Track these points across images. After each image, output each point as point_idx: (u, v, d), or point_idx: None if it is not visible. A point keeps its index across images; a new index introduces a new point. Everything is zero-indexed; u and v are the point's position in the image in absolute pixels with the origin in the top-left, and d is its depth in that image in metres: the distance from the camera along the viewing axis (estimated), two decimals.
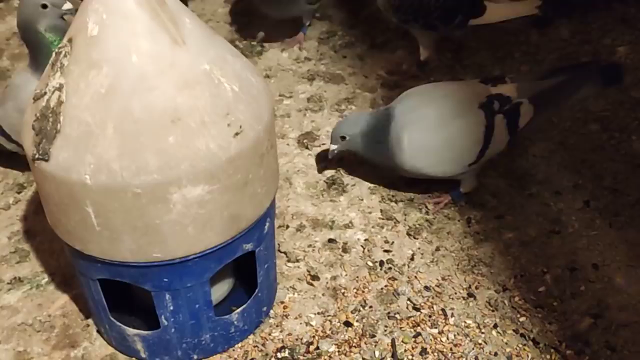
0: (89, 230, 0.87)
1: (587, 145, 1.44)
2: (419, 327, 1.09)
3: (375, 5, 1.68)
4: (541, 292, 1.14)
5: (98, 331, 1.10)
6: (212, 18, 1.92)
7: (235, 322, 1.05)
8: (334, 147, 1.31)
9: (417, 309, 1.12)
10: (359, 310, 1.12)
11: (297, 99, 1.61)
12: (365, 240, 1.25)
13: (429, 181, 1.35)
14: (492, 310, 1.12)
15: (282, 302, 1.14)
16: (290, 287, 1.17)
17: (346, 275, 1.19)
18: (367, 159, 1.32)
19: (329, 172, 1.40)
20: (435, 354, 1.05)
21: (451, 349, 1.06)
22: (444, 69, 1.68)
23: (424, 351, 1.06)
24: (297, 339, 1.08)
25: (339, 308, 1.13)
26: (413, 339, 1.07)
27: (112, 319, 1.02)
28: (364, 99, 1.61)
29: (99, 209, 0.84)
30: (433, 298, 1.14)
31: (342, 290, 1.16)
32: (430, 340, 1.07)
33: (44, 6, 1.20)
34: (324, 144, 1.47)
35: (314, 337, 1.09)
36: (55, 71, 0.86)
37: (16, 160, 1.36)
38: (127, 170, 0.81)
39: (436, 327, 1.09)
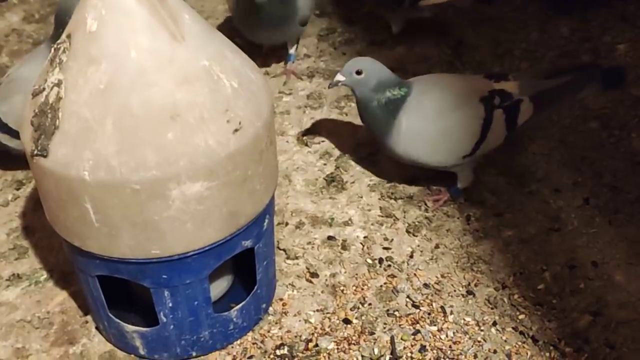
0: (87, 226, 0.86)
1: (586, 143, 1.44)
2: (418, 325, 1.09)
3: (375, 4, 1.68)
4: (540, 290, 1.14)
5: (97, 328, 1.10)
6: (211, 15, 1.91)
7: (234, 319, 1.05)
8: (341, 78, 1.24)
9: (416, 307, 1.12)
10: (358, 308, 1.12)
11: (297, 96, 1.61)
12: (364, 237, 1.25)
13: (428, 178, 1.35)
14: (492, 308, 1.12)
15: (281, 299, 1.14)
16: (290, 284, 1.17)
17: (345, 272, 1.19)
18: (363, 117, 1.28)
19: (329, 169, 1.40)
20: (435, 351, 1.05)
21: (450, 347, 1.06)
22: (443, 65, 1.68)
23: (423, 348, 1.06)
24: (296, 336, 1.08)
25: (338, 305, 1.13)
26: (412, 337, 1.07)
27: (110, 315, 1.02)
28: None
29: (98, 205, 0.84)
30: (432, 295, 1.14)
31: (342, 288, 1.16)
32: (430, 337, 1.07)
33: None
34: (323, 141, 1.47)
35: (313, 334, 1.08)
36: (54, 67, 0.85)
37: (15, 156, 1.36)
38: (126, 167, 0.81)
39: (435, 325, 1.09)
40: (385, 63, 1.69)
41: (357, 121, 1.52)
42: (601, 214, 1.28)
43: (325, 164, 1.41)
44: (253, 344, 1.08)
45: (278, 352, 1.06)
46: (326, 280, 1.17)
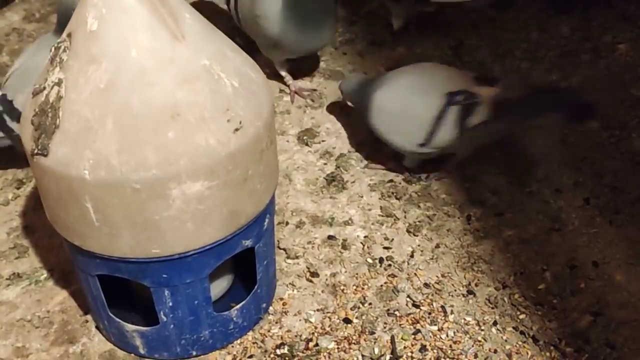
0: (87, 225, 0.86)
1: (587, 143, 1.44)
2: (418, 324, 1.09)
3: (376, 3, 1.68)
4: (541, 290, 1.14)
5: (97, 327, 1.10)
6: (212, 14, 1.91)
7: (235, 319, 1.05)
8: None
9: (416, 306, 1.12)
10: (359, 307, 1.12)
11: (297, 96, 1.61)
12: (365, 237, 1.25)
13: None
14: (492, 308, 1.12)
15: (281, 299, 1.14)
16: (290, 283, 1.17)
17: (346, 272, 1.18)
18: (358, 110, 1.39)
19: (329, 169, 1.40)
20: (435, 351, 1.05)
21: (451, 346, 1.06)
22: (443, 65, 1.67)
23: (423, 348, 1.06)
24: (296, 336, 1.08)
25: (338, 305, 1.13)
26: (412, 336, 1.07)
27: (111, 314, 1.02)
28: None
29: (98, 204, 0.84)
30: (433, 295, 1.14)
31: (342, 287, 1.16)
32: (430, 337, 1.07)
33: None
34: (324, 141, 1.47)
35: (313, 333, 1.08)
36: (55, 66, 0.85)
37: (15, 155, 1.36)
38: (126, 166, 0.81)
39: (436, 324, 1.09)
40: (386, 63, 1.71)
41: (358, 121, 1.52)
42: (602, 214, 1.28)
43: (325, 164, 1.41)
44: (253, 343, 1.07)
45: (278, 352, 1.06)
46: (326, 279, 1.17)
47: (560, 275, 1.17)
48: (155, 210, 0.84)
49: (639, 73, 1.60)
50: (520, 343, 1.06)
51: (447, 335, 1.07)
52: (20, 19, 1.91)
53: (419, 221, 1.28)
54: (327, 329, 1.09)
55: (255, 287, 1.06)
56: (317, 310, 1.12)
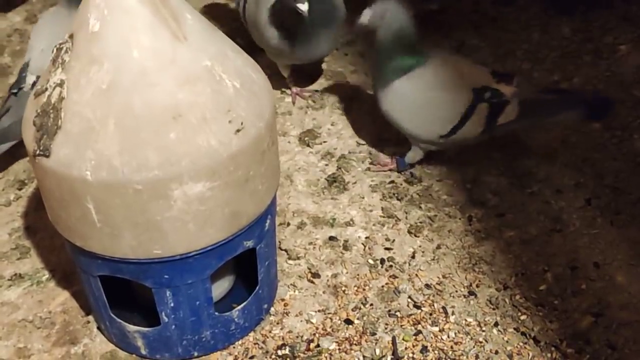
0: (89, 226, 0.86)
1: (588, 144, 1.44)
2: (419, 325, 1.09)
3: None
4: (542, 291, 1.14)
5: (98, 328, 1.10)
6: (213, 15, 1.91)
7: (236, 319, 1.05)
8: (367, 15, 1.28)
9: (417, 307, 1.12)
10: (360, 308, 1.12)
11: (299, 97, 1.61)
12: (366, 238, 1.25)
13: (431, 177, 1.35)
14: (493, 309, 1.12)
15: (282, 300, 1.14)
16: (291, 284, 1.17)
17: (347, 273, 1.19)
18: (371, 58, 1.35)
19: (330, 170, 1.40)
20: (436, 352, 1.05)
21: (452, 347, 1.06)
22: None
23: (424, 349, 1.06)
24: (297, 337, 1.08)
25: (339, 306, 1.13)
26: (414, 337, 1.07)
27: (112, 315, 1.02)
28: (365, 97, 1.61)
29: (100, 205, 0.84)
30: (434, 296, 1.14)
31: (343, 288, 1.16)
32: (431, 338, 1.07)
33: None
34: (325, 142, 1.47)
35: (314, 334, 1.08)
36: (57, 67, 0.86)
37: (17, 156, 1.36)
38: (128, 167, 0.81)
39: (437, 325, 1.09)
40: None
41: (359, 122, 1.53)
42: (603, 214, 1.28)
43: (326, 165, 1.41)
44: (254, 344, 1.08)
45: (279, 353, 1.06)
46: (328, 280, 1.17)
47: (562, 276, 1.17)
48: (157, 211, 0.84)
49: None
50: (521, 344, 1.06)
51: (448, 336, 1.07)
52: (22, 20, 1.91)
53: (420, 222, 1.28)
54: (328, 329, 1.09)
55: (257, 287, 1.06)
56: (319, 311, 1.12)
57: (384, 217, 1.29)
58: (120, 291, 1.03)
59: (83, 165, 0.81)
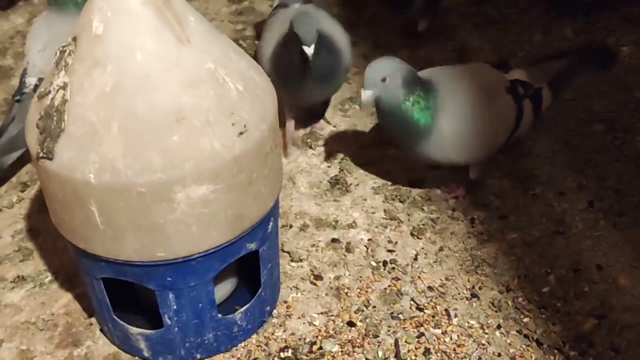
0: (92, 229, 0.86)
1: (591, 146, 1.44)
2: (422, 328, 1.09)
3: (377, 6, 1.67)
4: (545, 293, 1.14)
5: (101, 330, 1.10)
6: (216, 17, 1.92)
7: (239, 322, 1.05)
8: (369, 92, 1.16)
9: (420, 309, 1.12)
10: (362, 310, 1.12)
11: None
12: (368, 240, 1.25)
13: (435, 179, 1.35)
14: (496, 311, 1.12)
15: (285, 302, 1.14)
16: (294, 286, 1.17)
17: (349, 275, 1.19)
18: (389, 123, 1.21)
19: (333, 172, 1.40)
20: (439, 354, 1.05)
21: (454, 350, 1.06)
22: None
23: (427, 351, 1.05)
24: (300, 339, 1.08)
25: (342, 308, 1.13)
26: (416, 339, 1.07)
27: (115, 317, 1.02)
28: None
29: (103, 207, 0.84)
30: (436, 298, 1.14)
31: (346, 290, 1.16)
32: (434, 340, 1.07)
33: None
34: (327, 144, 1.47)
35: (317, 337, 1.08)
36: (60, 70, 0.86)
37: (20, 159, 1.36)
38: (132, 169, 0.81)
39: (439, 328, 1.09)
40: None
41: (361, 123, 1.53)
42: (606, 217, 1.27)
43: (329, 167, 1.41)
44: (257, 346, 1.08)
45: (282, 355, 1.06)
46: (330, 282, 1.17)
47: (564, 278, 1.17)
48: (160, 214, 0.84)
49: None
50: (524, 346, 1.06)
51: (451, 339, 1.07)
52: (24, 21, 1.91)
53: (423, 224, 1.28)
54: (331, 332, 1.09)
55: (259, 290, 1.06)
56: (321, 313, 1.12)
57: (386, 219, 1.29)
58: (123, 293, 1.03)
59: (86, 168, 0.82)
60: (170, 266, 0.91)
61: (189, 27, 0.86)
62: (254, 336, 1.09)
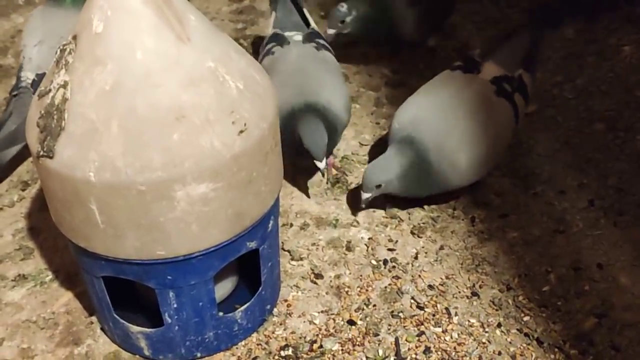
0: (93, 227, 0.87)
1: (592, 145, 1.44)
2: (422, 326, 1.09)
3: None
4: (545, 292, 1.14)
5: (102, 328, 1.10)
6: (216, 16, 1.92)
7: (239, 320, 1.05)
8: (367, 195, 1.22)
9: (420, 308, 1.12)
10: (363, 309, 1.12)
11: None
12: (369, 238, 1.25)
13: None
14: (496, 310, 1.12)
15: (285, 301, 1.14)
16: (294, 285, 1.17)
17: (350, 273, 1.19)
18: (403, 195, 1.26)
19: (333, 171, 1.40)
20: (439, 352, 1.05)
21: (455, 348, 1.06)
22: (447, 68, 1.67)
23: (427, 350, 1.05)
24: (300, 338, 1.08)
25: (342, 306, 1.13)
26: (417, 338, 1.07)
27: (115, 316, 1.02)
28: (368, 98, 1.61)
29: (103, 206, 0.84)
30: (437, 297, 1.14)
31: (346, 289, 1.16)
32: (434, 339, 1.07)
33: None
34: None
35: (317, 335, 1.08)
36: (60, 68, 0.86)
37: (21, 157, 1.37)
38: (132, 168, 0.81)
39: (440, 326, 1.09)
40: (389, 66, 1.71)
41: (361, 122, 1.53)
42: (606, 215, 1.27)
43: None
44: (257, 345, 1.08)
45: (282, 353, 1.06)
46: (331, 281, 1.17)
47: (565, 277, 1.17)
48: (160, 212, 0.84)
49: None
50: (524, 345, 1.06)
51: (452, 337, 1.07)
52: (25, 21, 1.91)
53: (423, 223, 1.28)
54: (332, 330, 1.09)
55: (260, 288, 1.06)
56: (322, 311, 1.12)
57: (386, 217, 1.29)
58: (124, 292, 1.03)
59: (86, 167, 0.82)
60: (171, 265, 0.91)
61: (189, 25, 0.86)
62: (255, 335, 1.09)
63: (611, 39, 1.75)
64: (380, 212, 1.30)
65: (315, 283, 1.17)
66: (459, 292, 1.15)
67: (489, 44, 1.40)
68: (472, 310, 1.12)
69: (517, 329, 1.09)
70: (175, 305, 0.97)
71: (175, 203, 0.84)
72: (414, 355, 1.05)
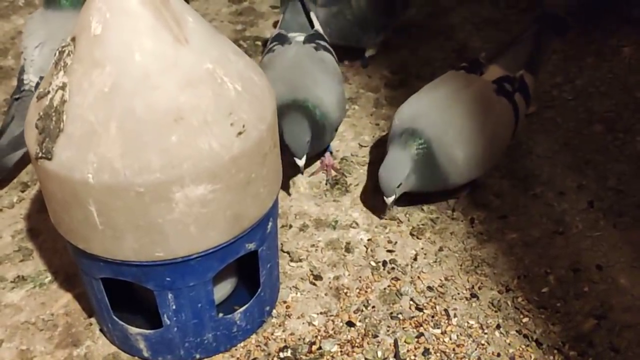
0: (91, 229, 0.87)
1: (591, 146, 1.44)
2: (421, 328, 1.09)
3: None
4: (544, 293, 1.14)
5: (101, 330, 1.10)
6: (215, 17, 1.92)
7: (238, 322, 1.05)
8: (390, 199, 1.21)
9: (419, 309, 1.12)
10: (362, 310, 1.12)
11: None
12: (368, 240, 1.25)
13: None
14: (495, 311, 1.12)
15: (284, 302, 1.14)
16: (293, 286, 1.17)
17: (349, 275, 1.19)
18: (418, 191, 1.26)
19: (332, 172, 1.40)
20: (438, 354, 1.05)
21: (454, 350, 1.06)
22: (447, 68, 1.66)
23: (426, 351, 1.05)
24: (299, 339, 1.08)
25: (341, 308, 1.13)
26: (416, 339, 1.07)
27: (114, 317, 1.02)
28: (367, 99, 1.61)
29: (102, 207, 0.84)
30: (436, 298, 1.14)
31: (345, 290, 1.16)
32: (433, 340, 1.07)
33: None
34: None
35: (316, 337, 1.08)
36: (59, 70, 0.86)
37: (24, 159, 1.37)
38: (130, 169, 0.81)
39: (439, 328, 1.09)
40: (389, 66, 1.71)
41: (361, 124, 1.53)
42: (606, 217, 1.27)
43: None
44: (256, 346, 1.08)
45: (281, 355, 1.06)
46: (330, 282, 1.17)
47: (564, 278, 1.17)
48: (159, 214, 0.84)
49: None
50: (523, 346, 1.06)
51: (451, 339, 1.07)
52: (25, 23, 1.92)
53: (423, 224, 1.28)
54: (331, 332, 1.09)
55: (259, 290, 1.06)
56: (321, 313, 1.12)
57: (386, 219, 1.29)
58: (123, 293, 1.03)
59: (85, 168, 0.82)
60: (169, 266, 0.91)
61: (187, 27, 0.86)
62: (254, 336, 1.09)
63: (611, 40, 1.75)
64: (379, 214, 1.30)
65: (314, 284, 1.17)
66: (458, 293, 1.15)
67: (495, 48, 1.41)
68: (471, 312, 1.12)
69: (516, 331, 1.09)
70: (174, 307, 0.97)
71: (173, 204, 0.84)
72: (413, 357, 1.05)
